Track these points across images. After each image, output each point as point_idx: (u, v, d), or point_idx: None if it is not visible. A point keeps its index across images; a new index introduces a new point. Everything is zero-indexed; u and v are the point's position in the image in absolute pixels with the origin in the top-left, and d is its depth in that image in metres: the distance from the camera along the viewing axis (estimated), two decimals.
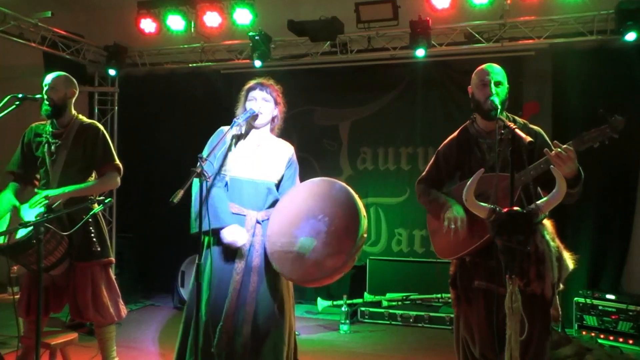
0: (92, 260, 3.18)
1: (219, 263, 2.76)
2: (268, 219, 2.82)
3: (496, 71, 2.50)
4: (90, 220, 3.15)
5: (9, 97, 2.81)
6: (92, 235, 3.17)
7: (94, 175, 3.33)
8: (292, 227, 2.70)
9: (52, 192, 3.06)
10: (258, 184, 2.83)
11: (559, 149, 2.17)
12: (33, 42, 5.29)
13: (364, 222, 2.57)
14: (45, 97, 3.16)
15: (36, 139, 3.27)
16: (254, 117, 2.85)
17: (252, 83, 2.96)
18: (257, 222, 2.80)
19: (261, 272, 2.75)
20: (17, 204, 3.11)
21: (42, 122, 3.32)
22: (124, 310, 3.35)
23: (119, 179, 3.33)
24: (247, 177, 2.83)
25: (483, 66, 2.54)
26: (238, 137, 2.92)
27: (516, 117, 2.56)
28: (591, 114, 4.92)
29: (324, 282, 2.69)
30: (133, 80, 6.38)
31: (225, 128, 2.87)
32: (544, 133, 2.52)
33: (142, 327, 4.93)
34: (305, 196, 2.76)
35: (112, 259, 3.34)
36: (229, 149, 2.87)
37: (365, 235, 2.59)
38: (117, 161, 3.32)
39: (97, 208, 3.10)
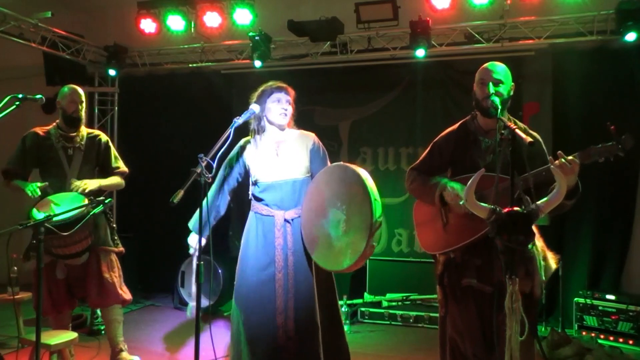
0: (114, 247, 3.64)
1: (260, 261, 2.93)
2: (299, 217, 2.94)
3: (498, 70, 2.49)
4: (109, 213, 3.72)
5: (9, 97, 2.81)
6: (115, 226, 3.70)
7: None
8: (319, 217, 2.82)
9: (89, 181, 3.53)
10: (282, 184, 2.95)
11: (563, 160, 2.16)
12: (33, 42, 5.29)
13: (377, 206, 2.60)
14: (80, 108, 3.61)
15: (45, 142, 3.58)
16: (265, 111, 3.00)
17: (278, 84, 3.05)
18: (286, 221, 2.92)
19: (297, 269, 2.90)
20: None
21: (45, 127, 3.65)
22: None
23: (124, 182, 3.86)
24: (271, 181, 2.97)
25: (486, 64, 2.53)
26: (257, 143, 3.05)
27: (517, 121, 2.55)
28: (591, 114, 4.98)
29: (352, 269, 2.78)
30: (133, 80, 6.38)
31: (242, 142, 3.07)
32: (542, 141, 2.51)
33: (142, 327, 4.92)
34: (325, 184, 2.86)
35: (123, 249, 3.76)
36: (255, 159, 3.01)
37: (380, 220, 2.62)
38: (124, 167, 3.85)
39: (97, 208, 3.15)
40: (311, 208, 2.89)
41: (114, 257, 3.65)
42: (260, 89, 3.06)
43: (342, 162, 2.88)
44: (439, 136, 2.69)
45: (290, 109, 3.03)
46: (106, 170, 3.77)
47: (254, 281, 2.92)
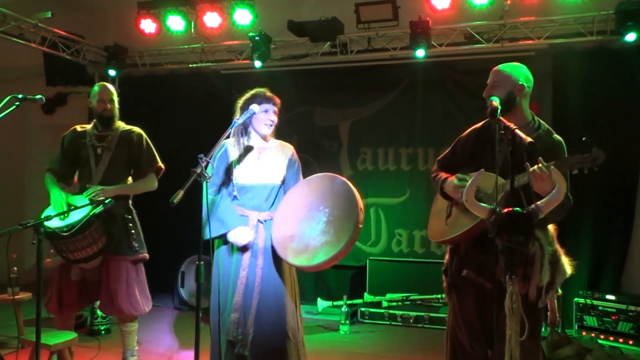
0: (128, 256, 3.43)
1: (227, 260, 3.00)
2: (272, 219, 3.02)
3: (494, 72, 2.51)
4: (129, 217, 3.51)
5: (9, 97, 2.81)
6: (133, 232, 3.47)
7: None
8: (295, 217, 2.94)
9: (106, 187, 3.37)
10: (261, 187, 3.04)
11: (537, 167, 2.16)
12: (33, 42, 5.29)
13: (360, 214, 2.78)
14: (109, 106, 3.52)
15: (80, 141, 3.52)
16: (252, 118, 3.04)
17: (267, 94, 3.10)
18: (259, 222, 3.00)
19: (264, 269, 2.96)
20: (65, 194, 3.38)
21: (83, 126, 3.61)
22: (150, 303, 3.59)
23: (156, 182, 3.63)
24: (250, 183, 3.04)
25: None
26: (241, 145, 3.10)
27: (542, 122, 2.53)
28: (591, 114, 4.97)
29: (322, 268, 2.89)
30: (133, 80, 6.38)
31: (228, 144, 3.08)
32: (564, 145, 2.47)
33: (142, 327, 4.88)
34: (309, 190, 3.00)
35: (146, 255, 3.57)
36: (237, 160, 3.07)
37: (360, 226, 2.78)
38: (160, 163, 3.63)
39: (97, 208, 3.15)
40: (289, 209, 3.00)
41: (126, 266, 3.44)
42: (248, 95, 3.10)
43: (329, 173, 3.02)
44: (464, 133, 2.71)
45: (275, 120, 3.12)
46: (138, 169, 3.59)
47: (225, 280, 2.99)
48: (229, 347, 2.93)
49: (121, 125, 3.62)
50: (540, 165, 2.14)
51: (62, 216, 3.18)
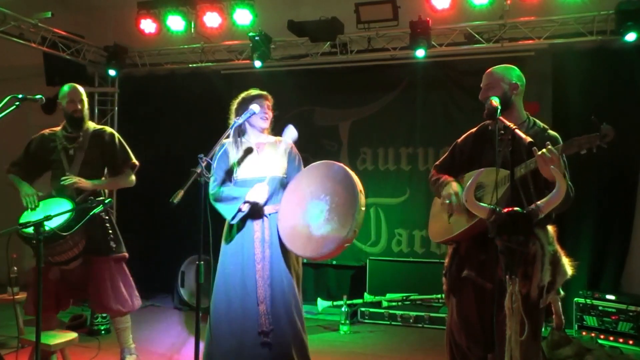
0: (109, 255, 3.46)
1: (240, 256, 3.06)
2: (277, 212, 3.10)
3: (486, 74, 2.53)
4: (106, 218, 3.50)
5: (9, 97, 2.81)
6: (110, 232, 3.49)
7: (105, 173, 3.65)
8: (299, 208, 3.01)
9: (83, 180, 3.39)
10: (263, 181, 3.08)
11: (544, 150, 2.16)
12: (33, 42, 5.30)
13: (361, 197, 2.85)
14: (79, 107, 3.51)
15: (49, 145, 3.52)
16: (253, 118, 3.10)
17: (259, 92, 3.20)
18: (265, 215, 3.08)
19: (272, 261, 3.06)
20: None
21: (52, 130, 3.60)
22: (139, 300, 3.65)
23: (134, 177, 3.67)
24: (252, 177, 3.10)
25: None
26: (239, 144, 3.18)
27: (537, 121, 2.54)
28: (591, 114, 4.94)
29: (332, 255, 2.99)
30: (133, 80, 6.38)
31: (227, 143, 3.14)
32: (561, 140, 2.49)
33: (142, 327, 4.92)
34: (309, 180, 3.08)
35: (126, 254, 3.61)
36: (238, 158, 3.13)
37: (363, 209, 2.86)
38: (134, 159, 3.66)
39: (97, 208, 3.14)
40: (292, 200, 3.07)
41: (108, 266, 3.46)
42: (241, 97, 3.19)
43: (326, 160, 3.11)
44: (461, 137, 2.72)
45: (270, 114, 3.20)
46: (113, 167, 3.62)
47: (238, 276, 3.05)
48: (255, 340, 2.98)
49: (92, 125, 3.64)
50: (548, 148, 2.14)
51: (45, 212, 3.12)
